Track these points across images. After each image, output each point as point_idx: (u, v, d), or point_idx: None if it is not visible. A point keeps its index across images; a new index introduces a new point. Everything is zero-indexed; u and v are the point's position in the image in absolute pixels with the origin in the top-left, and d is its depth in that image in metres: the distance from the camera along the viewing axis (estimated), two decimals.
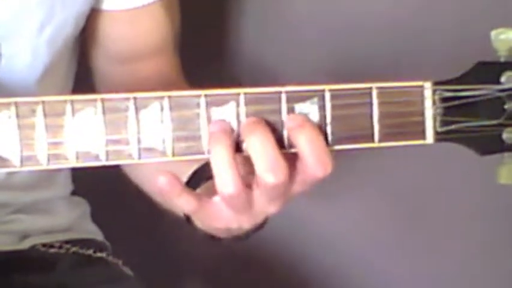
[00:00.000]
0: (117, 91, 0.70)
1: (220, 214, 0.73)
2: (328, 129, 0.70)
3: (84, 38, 0.91)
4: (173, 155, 0.70)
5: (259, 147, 0.68)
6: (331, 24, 1.15)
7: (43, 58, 0.85)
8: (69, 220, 0.96)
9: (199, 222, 0.78)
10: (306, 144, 0.69)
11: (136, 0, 0.87)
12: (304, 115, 0.69)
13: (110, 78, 0.93)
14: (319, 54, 1.15)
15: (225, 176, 0.68)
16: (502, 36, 0.72)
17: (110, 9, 0.87)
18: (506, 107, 0.72)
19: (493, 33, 0.72)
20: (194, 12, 1.02)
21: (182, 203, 0.71)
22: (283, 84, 0.69)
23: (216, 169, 0.69)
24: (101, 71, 0.94)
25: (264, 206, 0.72)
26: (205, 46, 1.15)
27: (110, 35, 0.90)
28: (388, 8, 1.13)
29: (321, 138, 0.69)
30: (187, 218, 0.79)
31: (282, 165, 0.68)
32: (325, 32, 1.15)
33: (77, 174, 0.98)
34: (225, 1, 1.16)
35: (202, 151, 0.70)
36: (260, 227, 0.78)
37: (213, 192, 0.72)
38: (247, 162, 0.69)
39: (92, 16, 0.88)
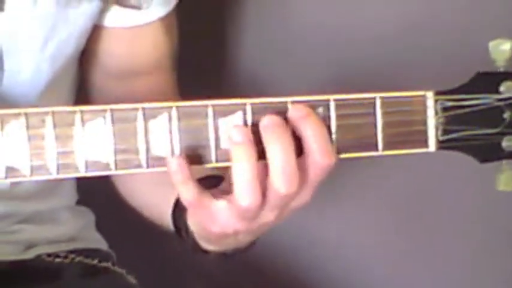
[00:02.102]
0: None
1: (219, 218, 0.72)
2: (333, 138, 0.71)
3: (83, 53, 0.92)
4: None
5: (281, 156, 0.68)
6: (332, 34, 1.15)
7: (45, 74, 0.86)
8: (74, 230, 0.97)
9: (193, 221, 0.76)
10: (312, 133, 0.69)
11: (137, 19, 0.88)
12: (309, 106, 0.71)
13: (106, 94, 0.93)
14: (320, 64, 1.16)
15: (247, 189, 0.68)
16: (500, 47, 0.74)
17: (111, 26, 0.88)
18: (505, 115, 0.74)
19: (491, 44, 0.74)
20: (194, 26, 1.03)
21: (183, 190, 0.70)
22: (289, 95, 0.71)
23: (239, 181, 0.69)
24: (97, 87, 0.94)
25: (266, 214, 0.72)
26: (204, 59, 1.16)
27: (109, 51, 0.91)
28: (389, 18, 1.14)
29: (325, 128, 0.70)
30: (177, 230, 0.79)
31: (296, 175, 0.69)
32: (326, 42, 1.15)
33: (82, 183, 0.98)
34: (224, 13, 1.17)
35: (210, 160, 0.71)
36: (248, 247, 0.79)
37: (217, 194, 0.72)
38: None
39: (92, 32, 0.89)
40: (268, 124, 0.69)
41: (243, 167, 0.68)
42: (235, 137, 0.69)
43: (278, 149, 0.68)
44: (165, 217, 0.82)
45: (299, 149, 0.70)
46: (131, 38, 0.89)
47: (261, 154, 0.69)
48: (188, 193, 0.70)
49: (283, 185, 0.69)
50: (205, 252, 0.80)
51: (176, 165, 0.69)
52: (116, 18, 0.88)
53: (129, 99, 0.88)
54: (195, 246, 0.79)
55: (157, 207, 0.85)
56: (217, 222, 0.73)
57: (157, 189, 0.83)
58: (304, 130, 0.70)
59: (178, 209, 0.79)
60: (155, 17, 0.88)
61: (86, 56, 0.92)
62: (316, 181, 0.71)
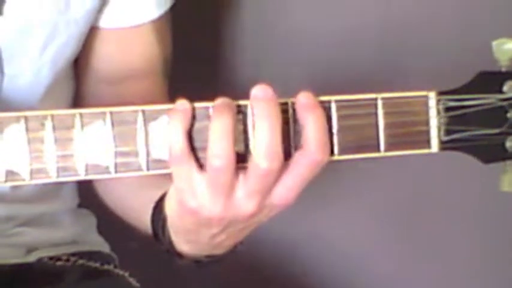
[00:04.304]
0: None
1: (197, 190, 0.70)
2: (335, 139, 0.71)
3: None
4: None
5: (266, 130, 0.68)
6: (333, 34, 1.16)
7: (45, 77, 0.86)
8: (76, 232, 0.97)
9: (173, 198, 0.74)
10: (313, 124, 0.69)
11: (129, 20, 0.88)
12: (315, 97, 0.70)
13: (95, 99, 0.93)
14: (321, 65, 1.16)
15: (221, 146, 0.67)
16: (504, 47, 0.74)
17: (105, 27, 0.88)
18: (508, 115, 0.74)
19: (495, 43, 0.74)
20: (190, 32, 1.03)
21: (175, 140, 0.69)
22: (291, 96, 0.71)
23: (213, 137, 0.68)
24: (87, 92, 0.94)
25: (242, 199, 0.70)
26: (200, 62, 1.16)
27: (100, 53, 0.91)
28: (390, 17, 1.15)
29: (326, 125, 0.70)
30: (155, 235, 0.79)
31: (279, 153, 0.68)
32: (327, 43, 1.16)
33: (83, 186, 0.98)
34: (220, 15, 1.18)
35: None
36: (223, 257, 0.78)
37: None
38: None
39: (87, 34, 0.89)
40: (260, 97, 0.69)
41: (221, 123, 0.67)
42: (220, 99, 0.69)
43: (264, 123, 0.68)
44: (144, 220, 0.81)
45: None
46: (122, 40, 0.90)
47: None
48: (178, 145, 0.69)
49: (264, 159, 0.68)
50: (181, 256, 0.79)
51: (180, 110, 0.68)
52: (109, 19, 0.88)
53: (119, 104, 0.89)
54: (171, 247, 0.78)
55: (136, 211, 0.84)
56: (195, 195, 0.70)
57: (139, 193, 0.82)
58: (306, 119, 0.69)
59: (158, 210, 0.78)
60: (147, 19, 0.88)
61: (77, 59, 0.92)
62: (303, 176, 0.70)
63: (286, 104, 0.70)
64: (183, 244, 0.78)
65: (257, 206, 0.71)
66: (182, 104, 0.69)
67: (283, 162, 0.69)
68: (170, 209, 0.75)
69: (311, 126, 0.69)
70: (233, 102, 0.69)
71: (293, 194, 0.71)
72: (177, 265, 0.80)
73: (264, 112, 0.68)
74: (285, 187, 0.70)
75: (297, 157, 0.70)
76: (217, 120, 0.68)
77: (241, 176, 0.69)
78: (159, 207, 0.78)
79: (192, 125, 0.69)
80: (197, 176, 0.70)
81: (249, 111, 0.70)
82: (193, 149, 0.70)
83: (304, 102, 0.70)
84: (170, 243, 0.78)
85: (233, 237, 0.76)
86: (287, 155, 0.70)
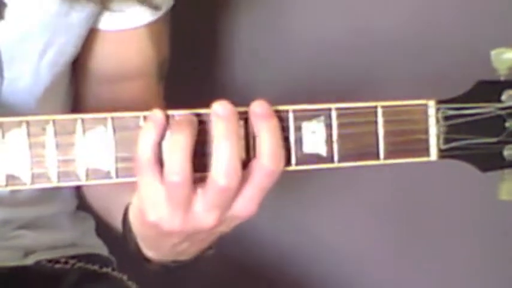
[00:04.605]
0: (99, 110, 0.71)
1: (157, 204, 0.70)
2: (335, 147, 0.72)
3: None
4: None
5: (226, 148, 0.67)
6: (332, 40, 1.16)
7: (44, 80, 0.86)
8: (74, 235, 0.97)
9: (136, 207, 0.74)
10: (267, 133, 0.69)
11: (126, 23, 0.88)
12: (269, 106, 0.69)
13: (91, 99, 0.93)
14: (320, 71, 1.16)
15: (177, 162, 0.67)
16: (502, 56, 0.74)
17: (102, 29, 0.89)
18: (507, 124, 0.74)
19: (493, 52, 0.74)
20: (187, 38, 1.03)
21: (143, 146, 0.68)
22: (289, 103, 0.71)
23: (170, 153, 0.68)
24: (84, 91, 0.94)
25: (201, 213, 0.70)
26: (197, 67, 1.16)
27: (96, 54, 0.91)
28: (390, 26, 1.15)
29: (281, 134, 0.69)
30: (124, 234, 0.78)
31: (237, 170, 0.68)
32: (327, 49, 1.16)
33: (82, 189, 0.98)
34: (217, 19, 1.18)
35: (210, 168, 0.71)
36: (189, 261, 0.78)
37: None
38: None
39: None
40: (220, 114, 0.68)
41: (179, 140, 0.67)
42: (181, 116, 0.68)
43: (224, 141, 0.68)
44: (118, 222, 0.81)
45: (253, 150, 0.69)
46: (119, 41, 0.90)
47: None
48: (145, 155, 0.68)
49: (223, 177, 0.67)
50: (148, 261, 0.79)
51: (154, 119, 0.68)
52: (108, 21, 0.88)
53: (114, 105, 0.89)
54: (138, 251, 0.78)
55: (113, 212, 0.84)
56: (155, 207, 0.70)
57: (119, 194, 0.81)
58: (260, 131, 0.69)
59: (127, 215, 0.78)
60: (143, 22, 0.89)
61: (75, 59, 0.91)
62: (261, 187, 0.70)
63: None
64: (147, 250, 0.78)
65: (217, 220, 0.71)
66: (155, 113, 0.69)
67: (242, 177, 0.68)
68: (133, 216, 0.76)
69: (264, 136, 0.69)
70: (194, 118, 0.69)
71: (253, 205, 0.71)
72: (147, 269, 0.80)
73: (223, 131, 0.68)
74: (244, 199, 0.70)
75: (253, 167, 0.69)
76: (174, 135, 0.68)
77: (199, 190, 0.69)
78: (128, 212, 0.78)
79: (163, 136, 0.69)
80: (159, 187, 0.69)
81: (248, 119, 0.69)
82: (161, 159, 0.69)
83: (257, 111, 0.69)
84: (137, 248, 0.78)
85: (197, 245, 0.76)
86: (246, 166, 0.69)
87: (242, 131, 0.70)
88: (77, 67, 0.92)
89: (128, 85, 0.92)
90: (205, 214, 0.70)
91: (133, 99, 0.91)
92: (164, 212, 0.70)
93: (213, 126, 0.69)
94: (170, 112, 0.70)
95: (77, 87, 0.94)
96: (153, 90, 0.94)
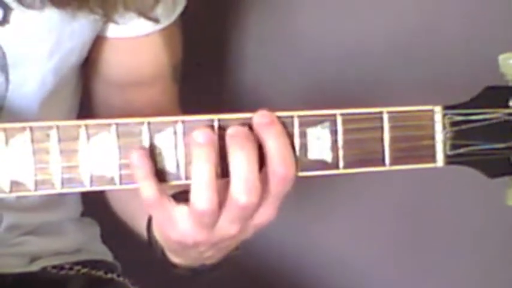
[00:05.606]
0: (113, 115, 0.71)
1: (178, 224, 0.71)
2: (340, 153, 0.71)
3: (84, 62, 0.91)
4: (186, 178, 0.71)
5: (243, 166, 0.68)
6: (337, 46, 1.16)
7: (49, 85, 0.86)
8: (79, 241, 0.97)
9: (156, 225, 0.76)
10: (273, 142, 0.69)
11: (138, 30, 0.88)
12: (272, 113, 0.70)
13: (107, 103, 0.93)
14: (326, 77, 1.16)
15: (204, 192, 0.68)
16: (510, 61, 0.74)
17: (113, 36, 0.88)
18: None
19: (501, 57, 0.74)
20: (195, 42, 1.03)
21: (144, 187, 0.69)
22: (295, 109, 0.71)
23: (196, 182, 0.68)
24: (98, 96, 0.94)
25: (225, 225, 0.71)
26: (206, 72, 1.16)
27: (109, 61, 0.90)
28: (397, 31, 1.15)
29: (287, 138, 0.70)
30: (150, 242, 0.79)
31: (257, 186, 0.68)
32: (332, 55, 1.16)
33: (87, 195, 0.97)
34: (226, 24, 1.18)
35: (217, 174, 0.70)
36: (217, 265, 0.78)
37: (178, 199, 0.71)
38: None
39: (94, 42, 0.89)
40: (234, 133, 0.69)
41: (201, 168, 0.68)
42: (198, 138, 0.68)
43: (241, 159, 0.68)
44: (142, 228, 0.81)
45: (262, 159, 0.69)
46: (131, 49, 0.89)
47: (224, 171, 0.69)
48: (149, 190, 0.69)
49: (243, 195, 0.68)
50: (174, 266, 0.79)
51: (137, 158, 0.68)
52: (117, 28, 0.88)
53: (130, 109, 0.89)
54: (164, 258, 0.79)
55: (137, 218, 0.84)
56: (176, 228, 0.72)
57: (140, 203, 0.82)
58: (266, 138, 0.69)
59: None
60: (156, 28, 0.88)
61: (87, 65, 0.92)
62: (278, 194, 0.70)
63: (291, 117, 0.70)
64: (174, 257, 0.79)
65: (240, 229, 0.72)
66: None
67: (261, 191, 0.68)
68: (157, 232, 0.77)
69: (271, 142, 0.69)
70: (215, 138, 0.68)
71: (272, 211, 0.72)
72: (174, 274, 0.80)
73: (237, 145, 0.68)
74: (263, 208, 0.71)
75: (266, 176, 0.69)
76: (198, 166, 0.68)
77: (222, 209, 0.70)
78: (151, 224, 0.78)
79: None
80: (175, 208, 0.70)
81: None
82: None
83: (259, 121, 0.70)
84: (163, 255, 0.79)
85: (223, 250, 0.77)
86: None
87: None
88: (91, 73, 0.92)
89: (142, 90, 0.92)
90: (228, 226, 0.71)
91: (150, 104, 0.91)
92: (188, 230, 0.71)
93: (227, 144, 0.69)
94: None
95: (90, 94, 0.94)
96: (169, 94, 0.94)
